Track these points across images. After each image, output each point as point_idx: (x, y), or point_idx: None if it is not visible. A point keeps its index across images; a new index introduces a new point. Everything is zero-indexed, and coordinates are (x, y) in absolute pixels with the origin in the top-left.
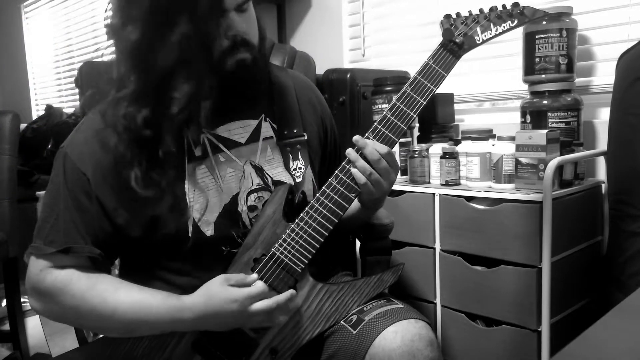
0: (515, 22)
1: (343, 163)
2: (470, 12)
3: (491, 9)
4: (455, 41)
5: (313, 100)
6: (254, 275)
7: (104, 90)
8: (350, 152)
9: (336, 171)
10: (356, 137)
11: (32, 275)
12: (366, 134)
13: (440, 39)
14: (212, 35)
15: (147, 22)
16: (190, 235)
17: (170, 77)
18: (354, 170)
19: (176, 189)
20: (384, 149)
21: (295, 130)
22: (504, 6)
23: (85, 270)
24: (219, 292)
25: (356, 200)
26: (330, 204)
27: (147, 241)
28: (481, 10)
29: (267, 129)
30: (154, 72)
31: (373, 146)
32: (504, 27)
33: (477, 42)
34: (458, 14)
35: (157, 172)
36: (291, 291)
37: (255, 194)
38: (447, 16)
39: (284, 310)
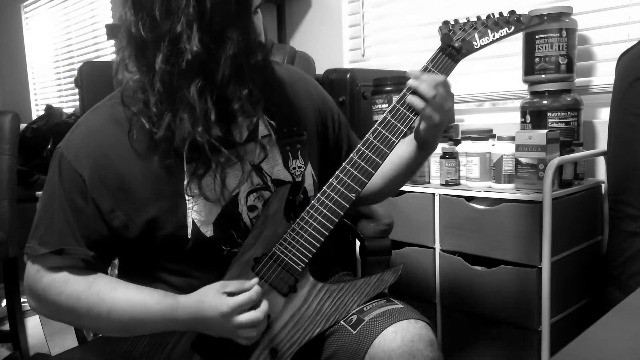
0: (512, 28)
1: (344, 164)
2: (467, 18)
3: (488, 16)
4: (454, 46)
5: (310, 93)
6: (253, 281)
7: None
8: (411, 82)
9: (337, 172)
10: (410, 71)
11: (30, 275)
12: (367, 135)
13: None
14: (249, 36)
15: (202, 36)
16: (189, 236)
17: (208, 84)
18: (410, 98)
19: (174, 190)
20: (440, 77)
21: (295, 129)
22: (500, 13)
23: (81, 272)
24: (211, 298)
25: (410, 145)
26: (330, 204)
27: (146, 243)
28: (479, 17)
29: (264, 127)
30: (199, 80)
31: (429, 75)
32: (501, 33)
33: (475, 47)
34: (456, 20)
35: (156, 173)
36: (266, 304)
37: (254, 193)
38: (446, 22)
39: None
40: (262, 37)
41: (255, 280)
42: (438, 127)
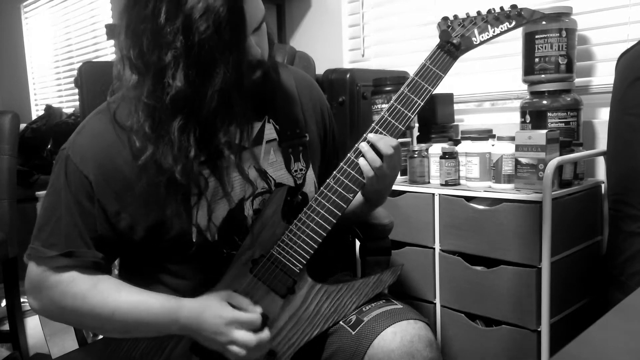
0: (513, 23)
1: (341, 164)
2: (467, 14)
3: (489, 11)
4: (453, 42)
5: (314, 98)
6: (258, 308)
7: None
8: (363, 145)
9: (334, 172)
10: (370, 135)
11: (33, 275)
12: (364, 135)
13: None
14: (240, 67)
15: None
16: (194, 240)
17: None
18: (362, 162)
19: (180, 194)
20: (394, 141)
21: (297, 131)
22: (501, 8)
23: (86, 271)
24: (214, 304)
25: (358, 196)
26: (328, 205)
27: (151, 245)
28: (479, 12)
29: (270, 131)
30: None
31: (385, 140)
32: (502, 28)
33: (475, 43)
34: (455, 16)
35: (159, 181)
36: (267, 333)
37: (259, 197)
38: (445, 18)
39: (260, 349)
40: (266, 52)
41: (260, 309)
42: (382, 194)
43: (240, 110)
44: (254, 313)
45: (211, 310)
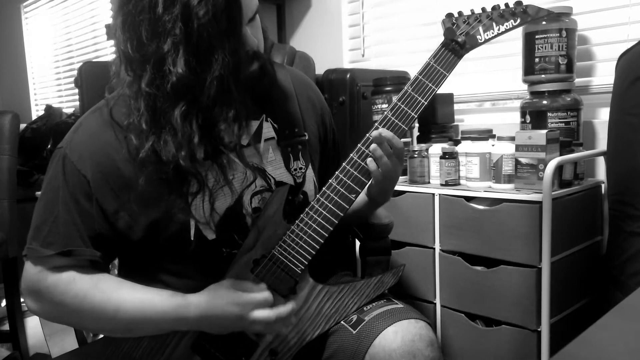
0: (518, 20)
1: (343, 164)
2: (472, 11)
3: (494, 8)
4: (457, 40)
5: (312, 98)
6: (262, 285)
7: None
8: (375, 134)
9: (337, 172)
10: (379, 131)
11: (30, 276)
12: (367, 134)
13: (441, 39)
14: (237, 54)
15: (188, 60)
16: (192, 239)
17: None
18: (369, 160)
19: (183, 185)
20: (399, 142)
21: (296, 130)
22: (506, 5)
23: (86, 271)
24: (223, 294)
25: (360, 197)
26: (330, 205)
27: (149, 244)
28: (483, 10)
29: (268, 130)
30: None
31: (394, 137)
32: (507, 26)
33: (480, 41)
34: (460, 13)
35: (160, 175)
36: (292, 304)
37: (258, 195)
38: (449, 15)
39: (284, 322)
40: (261, 44)
41: (264, 285)
42: (386, 192)
43: (239, 98)
44: (263, 291)
45: (221, 299)
